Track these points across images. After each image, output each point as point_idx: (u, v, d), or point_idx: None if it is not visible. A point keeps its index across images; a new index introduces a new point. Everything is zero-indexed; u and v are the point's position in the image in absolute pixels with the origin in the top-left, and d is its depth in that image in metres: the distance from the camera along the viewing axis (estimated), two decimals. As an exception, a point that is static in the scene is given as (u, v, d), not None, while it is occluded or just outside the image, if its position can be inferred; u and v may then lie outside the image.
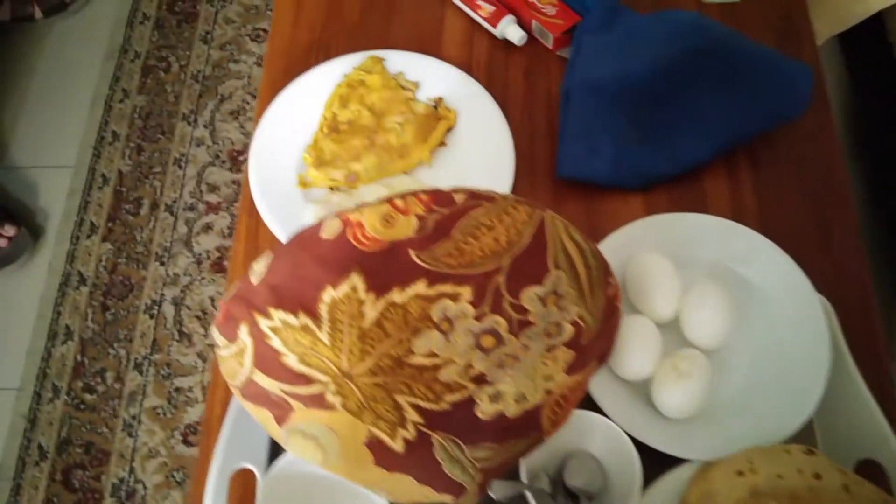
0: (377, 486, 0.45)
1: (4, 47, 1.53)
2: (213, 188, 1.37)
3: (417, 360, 0.40)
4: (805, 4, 0.78)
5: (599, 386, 0.53)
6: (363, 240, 0.39)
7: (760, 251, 0.59)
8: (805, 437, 0.54)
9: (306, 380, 0.42)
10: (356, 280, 0.40)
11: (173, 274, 1.30)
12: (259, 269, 0.42)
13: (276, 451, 0.55)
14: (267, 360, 0.42)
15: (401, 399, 0.41)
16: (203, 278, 1.29)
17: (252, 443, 0.54)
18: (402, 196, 0.40)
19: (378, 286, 0.40)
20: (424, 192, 0.40)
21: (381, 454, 0.43)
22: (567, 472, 0.52)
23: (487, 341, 0.41)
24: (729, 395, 0.56)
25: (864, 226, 0.66)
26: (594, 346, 0.46)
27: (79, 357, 1.24)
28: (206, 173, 1.39)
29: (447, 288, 0.39)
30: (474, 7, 0.74)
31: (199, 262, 1.30)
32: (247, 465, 0.54)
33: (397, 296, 0.40)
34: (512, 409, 0.43)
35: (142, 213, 1.36)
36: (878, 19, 1.01)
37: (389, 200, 0.40)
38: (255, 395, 0.44)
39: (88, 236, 1.34)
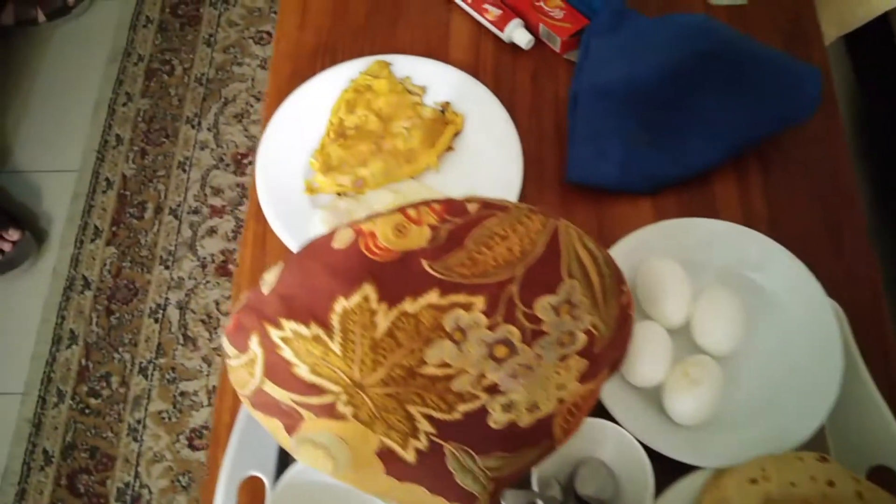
0: (388, 496, 0.45)
1: (7, 51, 1.53)
2: (217, 191, 1.37)
3: (430, 370, 0.40)
4: (813, 6, 0.77)
5: (610, 393, 0.53)
6: (375, 250, 0.39)
7: (772, 256, 0.58)
8: (816, 443, 0.53)
9: (317, 390, 0.41)
10: (368, 290, 0.39)
11: (178, 278, 1.29)
12: (270, 279, 0.41)
13: (284, 459, 0.55)
14: (278, 370, 0.42)
15: (413, 409, 0.41)
16: (208, 282, 1.29)
17: (261, 451, 0.54)
18: (415, 206, 0.40)
19: (390, 296, 0.39)
20: (437, 201, 0.40)
21: (392, 464, 0.43)
22: (578, 480, 0.52)
23: (500, 351, 0.40)
24: (740, 402, 0.55)
25: (869, 228, 0.66)
26: (607, 354, 0.46)
27: (83, 361, 1.24)
28: (210, 177, 1.38)
29: (460, 298, 0.39)
30: (481, 11, 0.73)
31: (203, 266, 1.30)
32: (256, 473, 0.53)
33: (409, 306, 0.39)
34: (524, 419, 0.43)
35: (146, 216, 1.35)
36: (884, 20, 1.01)
37: (402, 210, 0.40)
38: (265, 404, 0.44)
39: (92, 240, 1.34)
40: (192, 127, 1.43)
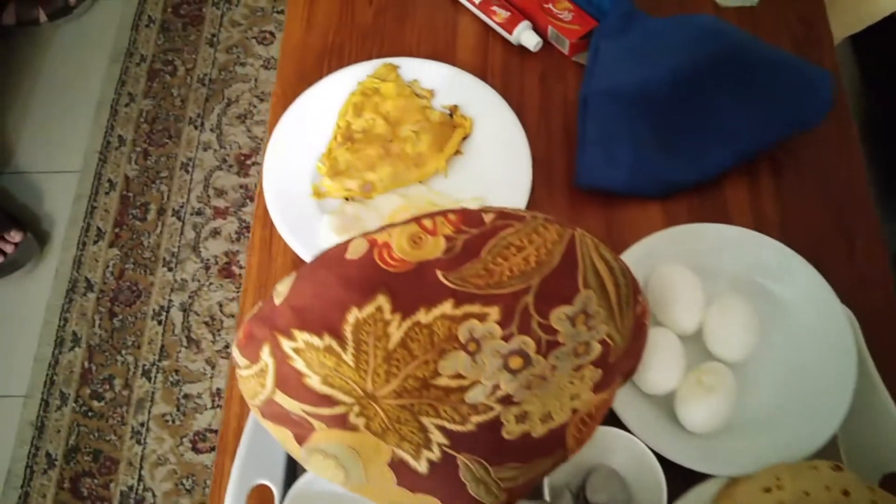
0: (400, 507, 0.44)
1: (9, 51, 1.52)
2: (220, 192, 1.36)
3: (444, 381, 0.40)
4: (824, 8, 0.77)
5: (622, 401, 0.52)
6: (390, 260, 0.39)
7: (785, 262, 0.58)
8: (828, 450, 0.53)
9: (329, 401, 0.41)
10: (382, 301, 0.39)
11: (181, 279, 1.29)
12: (282, 289, 0.41)
13: (293, 467, 0.54)
14: (289, 381, 0.41)
15: (426, 421, 0.40)
16: (211, 284, 1.28)
17: (269, 459, 0.54)
18: (431, 216, 0.39)
19: (404, 307, 0.39)
20: (453, 212, 0.39)
21: (404, 475, 0.43)
22: (590, 489, 0.51)
23: (515, 362, 0.40)
24: (753, 410, 0.55)
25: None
26: (621, 364, 0.45)
27: (86, 364, 1.23)
28: (214, 177, 1.38)
29: (474, 308, 0.39)
30: (489, 13, 0.73)
31: (207, 268, 1.30)
32: (264, 481, 0.53)
33: (423, 316, 0.39)
34: (538, 429, 0.42)
35: (149, 218, 1.35)
36: (891, 21, 1.00)
37: (417, 221, 0.39)
38: (276, 414, 0.44)
39: (95, 242, 1.33)
40: (195, 128, 1.42)
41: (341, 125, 0.68)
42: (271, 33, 1.51)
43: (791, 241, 0.60)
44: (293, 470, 0.54)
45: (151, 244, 1.32)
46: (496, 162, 0.66)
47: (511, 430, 0.42)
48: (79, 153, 1.42)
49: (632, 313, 0.44)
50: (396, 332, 0.39)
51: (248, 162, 1.39)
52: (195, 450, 1.16)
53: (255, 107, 1.44)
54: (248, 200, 1.35)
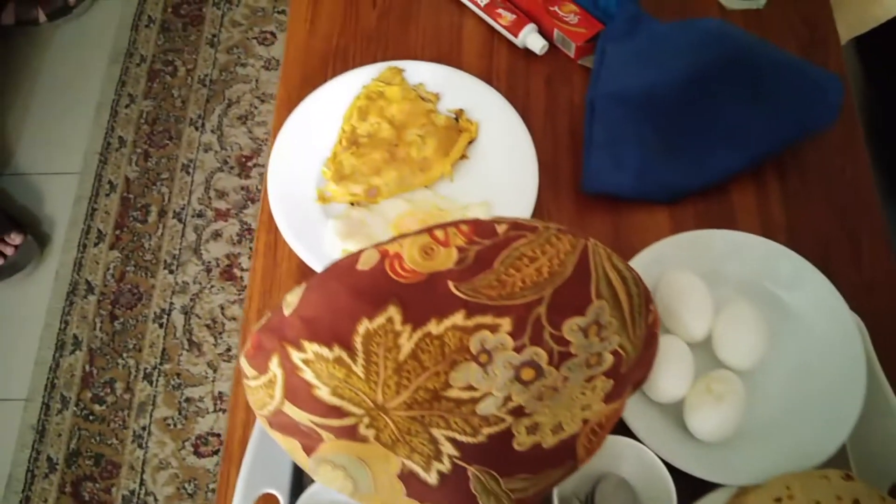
0: (409, 518, 0.44)
1: (8, 52, 1.51)
2: (221, 194, 1.36)
3: (455, 393, 0.39)
4: (830, 10, 0.76)
5: (631, 409, 0.52)
6: (401, 271, 0.38)
7: (794, 270, 0.57)
8: (837, 458, 0.52)
9: (339, 412, 0.41)
10: (393, 312, 0.38)
11: (182, 282, 1.28)
12: (292, 300, 0.40)
13: (299, 475, 0.54)
14: (298, 392, 0.41)
15: (437, 432, 0.40)
16: (213, 286, 1.28)
17: (276, 468, 0.53)
18: (443, 227, 0.39)
19: (415, 318, 0.38)
20: (465, 222, 0.39)
21: (414, 486, 0.42)
22: (599, 498, 0.51)
23: (527, 374, 0.39)
24: (763, 418, 0.54)
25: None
26: (633, 374, 0.45)
27: (87, 367, 1.23)
28: (215, 179, 1.37)
29: (486, 319, 0.38)
30: (494, 16, 0.72)
31: (208, 270, 1.29)
32: (271, 490, 0.53)
33: (434, 327, 0.38)
34: (549, 440, 0.42)
35: (150, 220, 1.34)
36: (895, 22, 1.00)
37: (429, 231, 0.39)
38: (284, 425, 0.43)
39: (96, 244, 1.32)
40: (196, 129, 1.42)
41: (346, 129, 0.67)
42: (272, 34, 1.50)
43: (798, 245, 0.60)
44: (300, 478, 0.54)
45: (152, 246, 1.32)
46: (502, 166, 0.66)
47: (522, 441, 0.41)
48: (79, 154, 1.41)
49: (644, 323, 0.44)
50: (407, 343, 0.39)
51: (250, 164, 1.38)
52: (197, 454, 1.16)
53: (256, 108, 1.43)
54: (249, 202, 1.35)
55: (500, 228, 0.39)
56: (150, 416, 1.19)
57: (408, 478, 0.42)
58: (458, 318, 0.38)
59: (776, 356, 0.56)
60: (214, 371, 1.21)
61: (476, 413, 0.40)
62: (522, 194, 0.64)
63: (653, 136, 0.65)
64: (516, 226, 0.39)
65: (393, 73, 0.69)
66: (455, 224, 0.39)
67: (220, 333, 1.24)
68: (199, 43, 1.50)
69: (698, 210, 0.65)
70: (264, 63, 1.47)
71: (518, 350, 0.39)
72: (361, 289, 0.39)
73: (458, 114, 0.68)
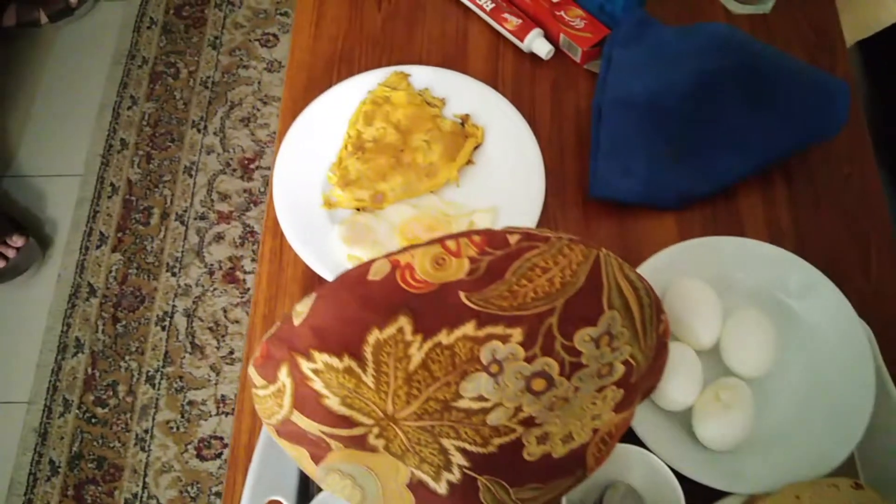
0: (417, 527, 0.44)
1: (10, 53, 1.51)
2: (224, 197, 1.35)
3: (465, 403, 0.39)
4: (837, 15, 0.76)
5: (639, 417, 0.52)
6: (412, 282, 0.38)
7: (804, 278, 0.57)
8: (845, 466, 0.52)
9: (348, 422, 0.40)
10: (403, 322, 0.38)
11: (185, 285, 1.28)
12: (301, 310, 0.40)
13: (306, 482, 0.54)
14: (307, 401, 0.41)
15: (447, 443, 0.40)
16: (215, 289, 1.27)
17: (282, 475, 0.53)
18: (455, 237, 0.38)
19: (426, 328, 0.38)
20: (477, 233, 0.39)
21: (423, 496, 0.42)
22: (607, 506, 0.51)
23: (538, 384, 0.39)
24: (771, 426, 0.54)
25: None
26: (643, 383, 0.45)
27: (89, 370, 1.22)
28: (217, 182, 1.37)
29: (497, 329, 0.38)
30: (500, 20, 0.72)
31: (211, 273, 1.29)
32: (277, 497, 0.52)
33: (445, 337, 0.38)
34: (559, 450, 0.42)
35: (152, 222, 1.34)
36: (900, 25, 1.00)
37: (441, 242, 0.39)
38: (292, 434, 0.43)
39: (98, 246, 1.32)
40: (198, 131, 1.41)
41: (352, 134, 0.67)
42: (274, 35, 1.50)
43: (805, 252, 0.59)
44: (306, 486, 0.54)
45: (155, 249, 1.31)
46: (508, 171, 0.66)
47: (532, 451, 0.41)
48: (81, 156, 1.41)
49: (655, 333, 0.44)
50: (417, 353, 0.38)
51: (252, 166, 1.38)
52: (200, 457, 1.15)
53: (258, 110, 1.43)
54: (252, 205, 1.34)
55: (513, 239, 0.39)
56: (153, 419, 1.18)
57: (417, 487, 0.42)
58: (468, 329, 0.38)
59: (785, 364, 0.56)
60: (217, 374, 1.21)
61: (486, 423, 0.39)
62: (529, 200, 0.64)
63: (660, 141, 0.65)
64: (528, 236, 0.39)
65: (399, 78, 0.69)
66: (467, 235, 0.39)
67: (223, 336, 1.24)
68: (202, 45, 1.50)
69: (705, 216, 0.65)
70: (267, 65, 1.47)
71: (529, 360, 0.39)
72: (372, 299, 0.38)
73: (465, 119, 0.68)
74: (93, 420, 1.19)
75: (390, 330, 0.38)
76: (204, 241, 1.31)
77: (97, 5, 1.55)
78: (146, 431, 1.17)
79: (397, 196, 0.65)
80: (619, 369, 0.41)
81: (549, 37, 0.72)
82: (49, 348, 1.24)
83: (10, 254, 1.26)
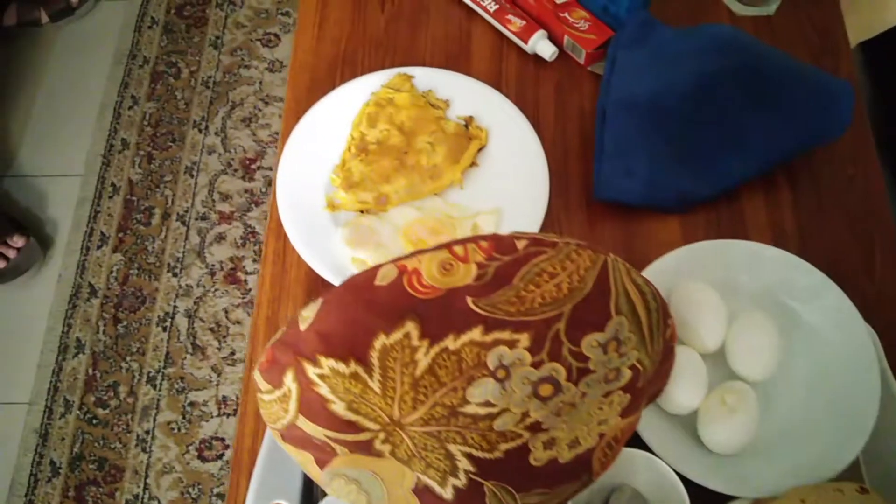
0: (423, 532, 0.43)
1: (11, 53, 1.51)
2: (225, 197, 1.35)
3: (472, 409, 0.39)
4: (841, 16, 0.76)
5: (644, 421, 0.52)
6: (419, 287, 0.38)
7: (811, 283, 0.57)
8: (850, 470, 0.52)
9: (354, 427, 0.40)
10: (410, 327, 0.38)
11: (186, 285, 1.28)
12: (308, 315, 0.40)
13: (309, 486, 0.54)
14: (313, 406, 0.40)
15: (453, 448, 0.40)
16: (216, 290, 1.27)
17: (286, 478, 0.53)
18: (462, 243, 0.38)
19: (432, 333, 0.38)
20: (485, 238, 0.39)
21: (429, 501, 0.42)
22: (612, 510, 0.50)
23: (545, 390, 0.39)
24: (776, 429, 0.54)
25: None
26: (649, 387, 0.45)
27: (90, 371, 1.22)
28: (218, 182, 1.37)
29: (504, 335, 0.38)
30: (504, 22, 0.72)
31: (212, 274, 1.29)
32: (281, 501, 0.52)
33: (451, 342, 0.38)
34: (565, 455, 0.42)
35: (153, 222, 1.34)
36: (903, 27, 0.99)
37: (448, 247, 0.38)
38: (297, 438, 0.43)
39: (99, 247, 1.32)
40: (200, 131, 1.41)
41: (355, 136, 0.67)
42: (276, 35, 1.50)
43: (809, 255, 0.59)
44: (310, 489, 0.54)
45: (156, 249, 1.31)
46: (512, 173, 0.65)
47: (538, 456, 0.41)
48: (82, 156, 1.40)
49: (661, 338, 0.44)
50: (424, 358, 0.38)
51: (254, 166, 1.37)
52: (201, 458, 1.15)
53: (259, 110, 1.42)
54: (253, 205, 1.34)
55: (520, 244, 0.38)
56: (154, 419, 1.18)
57: (422, 492, 0.41)
58: (475, 334, 0.38)
59: (790, 368, 0.56)
60: (218, 375, 1.21)
61: (493, 429, 0.39)
62: (533, 202, 0.64)
63: (663, 143, 0.64)
64: (536, 241, 0.39)
65: (402, 80, 0.69)
66: (474, 240, 0.38)
67: (224, 337, 1.23)
68: (203, 45, 1.49)
69: (709, 218, 0.65)
70: (268, 65, 1.47)
71: (536, 366, 0.39)
72: (379, 304, 0.38)
73: (468, 121, 0.68)
74: (94, 421, 1.18)
75: (397, 335, 0.38)
76: (205, 242, 1.31)
77: (98, 5, 1.55)
78: (147, 432, 1.17)
79: (401, 198, 0.64)
80: (626, 374, 0.41)
81: (553, 38, 0.72)
82: (50, 349, 1.24)
83: (11, 254, 1.26)
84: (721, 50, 0.65)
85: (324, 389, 0.40)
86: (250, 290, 1.26)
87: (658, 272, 0.57)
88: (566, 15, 0.71)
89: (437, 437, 0.39)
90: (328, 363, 0.39)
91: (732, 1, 0.75)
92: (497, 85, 0.71)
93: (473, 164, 0.66)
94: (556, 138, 0.69)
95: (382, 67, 0.72)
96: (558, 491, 0.43)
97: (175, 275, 1.29)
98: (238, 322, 1.24)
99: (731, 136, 0.64)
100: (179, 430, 1.17)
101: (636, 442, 0.51)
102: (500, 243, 0.38)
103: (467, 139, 0.67)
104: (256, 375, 0.43)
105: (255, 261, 1.29)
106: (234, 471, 0.57)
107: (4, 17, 1.50)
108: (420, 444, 0.40)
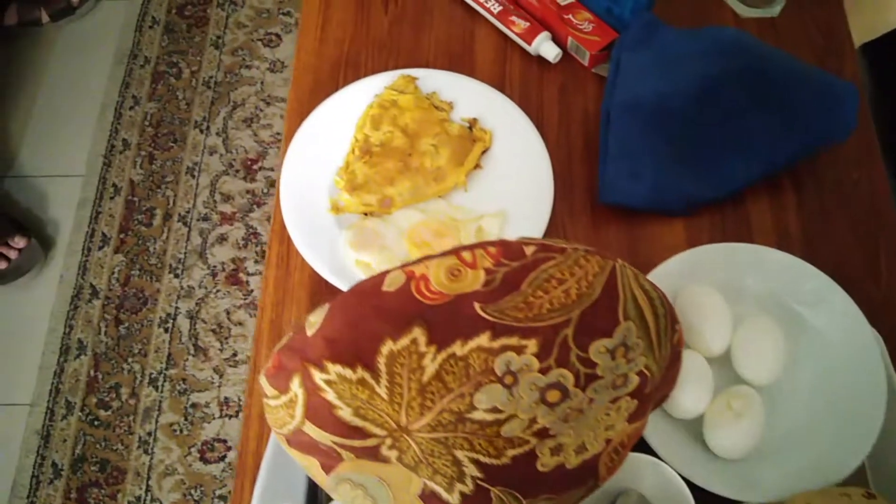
0: (429, 537, 0.43)
1: (11, 52, 1.50)
2: (227, 198, 1.35)
3: (479, 415, 0.39)
4: (845, 18, 0.76)
5: (650, 425, 0.52)
6: (427, 293, 0.38)
7: (817, 287, 0.57)
8: (856, 475, 0.52)
9: (361, 433, 0.40)
10: (418, 333, 0.38)
11: (188, 286, 1.28)
12: (314, 320, 0.40)
13: (314, 490, 0.53)
14: (319, 412, 0.40)
15: (460, 454, 0.39)
16: (218, 291, 1.27)
17: (291, 482, 0.53)
18: (470, 249, 0.38)
19: (440, 339, 0.38)
20: (493, 244, 0.38)
21: (435, 507, 0.42)
22: (618, 514, 0.50)
23: (553, 396, 0.39)
24: (782, 434, 0.54)
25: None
26: (657, 393, 0.45)
27: (92, 372, 1.22)
28: (220, 183, 1.36)
29: (512, 341, 0.38)
30: (508, 23, 0.72)
31: (214, 275, 1.28)
32: (286, 505, 0.52)
33: (459, 348, 0.38)
34: (572, 461, 0.42)
35: (154, 223, 1.33)
36: (905, 28, 0.99)
37: (456, 253, 0.38)
38: (303, 444, 0.43)
39: (100, 248, 1.32)
40: (201, 131, 1.41)
41: (359, 138, 0.67)
42: (277, 35, 1.49)
43: (814, 258, 0.59)
44: (315, 493, 0.54)
45: (157, 250, 1.31)
46: (517, 176, 0.65)
47: (546, 462, 0.41)
48: (83, 157, 1.40)
49: (669, 343, 0.43)
50: (431, 364, 0.38)
51: (255, 167, 1.37)
52: (203, 460, 1.15)
53: (261, 111, 1.42)
54: (255, 206, 1.34)
55: (529, 250, 0.38)
56: (156, 421, 1.18)
57: (429, 498, 0.41)
58: (483, 340, 0.38)
59: (796, 372, 0.56)
60: (220, 376, 1.21)
61: (500, 435, 0.39)
62: (537, 204, 0.64)
63: (668, 146, 0.64)
64: (544, 247, 0.38)
65: (406, 82, 0.69)
66: (483, 246, 0.38)
67: (226, 338, 1.23)
68: (204, 45, 1.49)
69: (714, 221, 0.65)
70: (269, 65, 1.46)
71: (544, 372, 0.38)
72: (386, 310, 0.38)
73: (472, 123, 0.68)
74: (96, 422, 1.18)
75: (404, 341, 0.38)
76: (207, 243, 1.31)
77: (99, 4, 1.55)
78: (149, 434, 1.17)
79: (405, 200, 0.64)
80: (634, 380, 0.41)
81: (557, 40, 0.71)
82: (51, 350, 1.24)
83: (12, 255, 1.26)
84: (725, 52, 0.65)
85: (330, 395, 0.40)
86: (252, 291, 1.26)
87: (662, 276, 0.57)
88: (570, 17, 0.71)
89: (444, 443, 0.39)
90: (335, 369, 0.39)
91: (736, 2, 0.75)
92: (501, 87, 0.70)
93: (477, 166, 0.66)
94: (560, 140, 0.69)
95: (386, 69, 0.72)
96: (565, 497, 0.43)
97: (177, 276, 1.28)
98: (240, 323, 1.24)
99: (735, 139, 0.64)
100: (181, 431, 1.17)
101: (642, 446, 0.51)
102: (509, 249, 0.38)
103: (471, 141, 0.66)
104: (262, 380, 0.42)
105: (257, 262, 1.28)
106: (238, 475, 0.57)
107: (5, 16, 1.50)
108: (427, 450, 0.40)
